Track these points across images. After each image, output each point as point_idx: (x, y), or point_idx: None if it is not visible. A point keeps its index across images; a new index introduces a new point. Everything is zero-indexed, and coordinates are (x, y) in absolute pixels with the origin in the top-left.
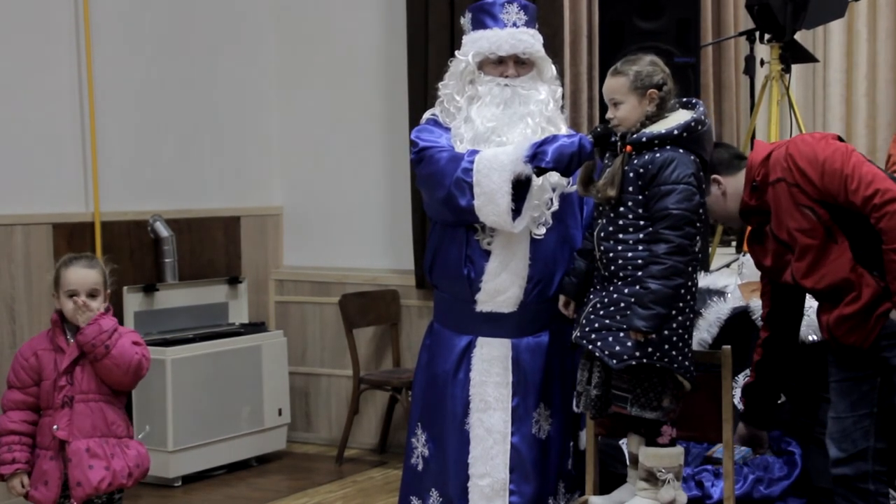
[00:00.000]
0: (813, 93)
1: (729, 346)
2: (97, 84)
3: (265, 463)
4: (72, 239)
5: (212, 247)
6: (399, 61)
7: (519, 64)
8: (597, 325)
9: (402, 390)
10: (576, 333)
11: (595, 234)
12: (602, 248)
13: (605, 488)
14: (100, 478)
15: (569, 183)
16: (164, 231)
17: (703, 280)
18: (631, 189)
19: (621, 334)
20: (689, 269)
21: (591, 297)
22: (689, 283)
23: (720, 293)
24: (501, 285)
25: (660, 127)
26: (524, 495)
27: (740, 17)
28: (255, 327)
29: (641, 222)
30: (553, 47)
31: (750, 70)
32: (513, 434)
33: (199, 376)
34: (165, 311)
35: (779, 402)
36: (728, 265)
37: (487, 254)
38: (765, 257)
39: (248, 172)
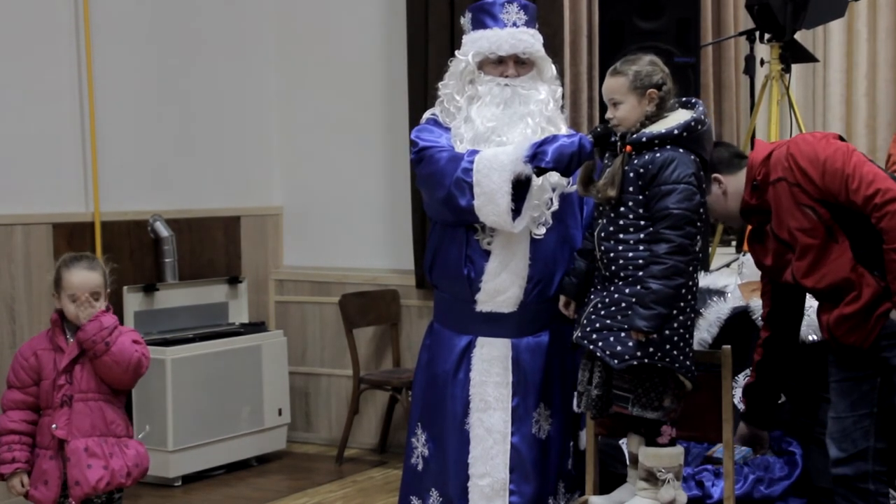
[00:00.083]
0: (813, 93)
1: (729, 346)
2: (97, 84)
3: (265, 463)
4: (72, 239)
5: (212, 247)
6: (399, 61)
7: (519, 64)
8: (598, 325)
9: (402, 390)
10: (577, 334)
11: (595, 234)
12: (603, 248)
13: (605, 488)
14: (98, 477)
15: (569, 183)
16: (164, 231)
17: (703, 280)
18: (631, 189)
19: (622, 334)
20: (690, 268)
21: (592, 297)
22: (690, 283)
23: (720, 293)
24: (501, 285)
25: (660, 127)
26: (524, 495)
27: (740, 17)
28: (255, 327)
29: (642, 222)
30: (553, 47)
31: (750, 70)
32: (513, 434)
33: (199, 376)
34: (165, 311)
35: (779, 402)
36: (728, 265)
37: (487, 254)
38: (765, 256)
39: (248, 172)
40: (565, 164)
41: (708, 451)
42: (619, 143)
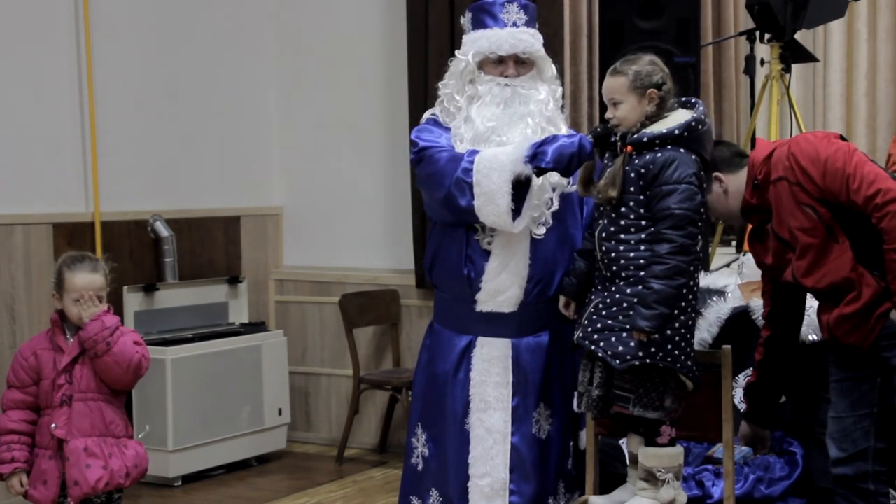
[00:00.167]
0: (813, 93)
1: (729, 346)
2: (97, 84)
3: (265, 463)
4: (72, 239)
5: (212, 247)
6: (399, 61)
7: (519, 63)
8: (599, 325)
9: (402, 390)
10: (577, 334)
11: (596, 234)
12: (604, 248)
13: (605, 488)
14: (97, 477)
15: (569, 183)
16: (164, 231)
17: (704, 280)
18: (632, 189)
19: (624, 335)
20: (692, 268)
21: (593, 297)
22: (692, 283)
23: (720, 293)
24: (501, 285)
25: (660, 127)
26: (524, 495)
27: (740, 16)
28: (255, 327)
29: (643, 222)
30: (553, 47)
31: (750, 70)
32: (513, 434)
33: (199, 376)
34: (165, 311)
35: (780, 401)
36: (728, 265)
37: (487, 254)
38: (766, 255)
39: (248, 172)
40: (565, 165)
41: (708, 451)
42: (619, 144)
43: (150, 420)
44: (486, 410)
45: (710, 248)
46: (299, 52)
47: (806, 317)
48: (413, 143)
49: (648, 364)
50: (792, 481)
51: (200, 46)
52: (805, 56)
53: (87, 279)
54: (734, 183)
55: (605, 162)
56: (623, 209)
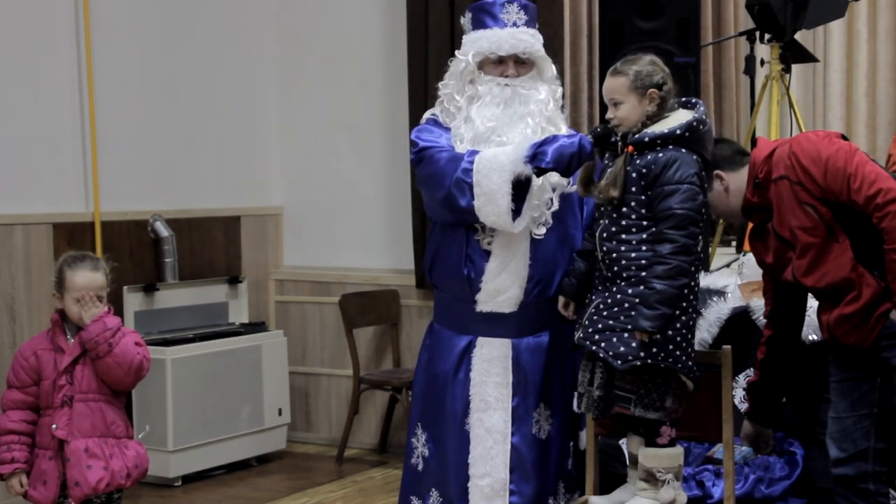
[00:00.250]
0: (813, 93)
1: (729, 346)
2: (97, 84)
3: (265, 463)
4: (72, 239)
5: (212, 247)
6: (399, 61)
7: (519, 64)
8: (600, 325)
9: (402, 390)
10: (578, 335)
11: (597, 234)
12: (605, 248)
13: (605, 488)
14: (98, 478)
15: (569, 183)
16: (164, 231)
17: (704, 280)
18: (633, 189)
19: (625, 335)
20: (693, 268)
21: (594, 297)
22: (693, 283)
23: (720, 293)
24: (501, 285)
25: (661, 127)
26: (524, 495)
27: (740, 17)
28: (255, 327)
29: (644, 222)
30: (553, 47)
31: (750, 70)
32: (513, 434)
33: (199, 376)
34: (165, 311)
35: (782, 401)
36: (728, 265)
37: (487, 254)
38: (766, 254)
39: (248, 172)
40: (565, 165)
41: (708, 452)
42: (619, 144)
43: (150, 420)
44: (486, 410)
45: (710, 249)
46: (299, 52)
47: (806, 317)
48: (413, 144)
49: (650, 364)
50: (792, 481)
51: (200, 46)
52: (805, 56)
53: (88, 278)
54: (735, 181)
55: (605, 162)
56: (624, 209)
